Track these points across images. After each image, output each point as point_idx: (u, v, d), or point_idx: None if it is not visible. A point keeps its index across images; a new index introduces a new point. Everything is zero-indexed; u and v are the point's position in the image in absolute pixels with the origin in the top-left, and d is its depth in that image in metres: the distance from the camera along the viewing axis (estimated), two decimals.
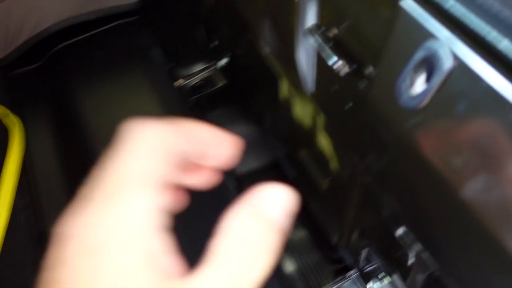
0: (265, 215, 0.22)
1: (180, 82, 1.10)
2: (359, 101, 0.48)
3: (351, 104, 0.50)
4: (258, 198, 0.23)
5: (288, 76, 0.67)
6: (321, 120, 0.67)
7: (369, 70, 0.45)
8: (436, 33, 0.34)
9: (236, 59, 1.05)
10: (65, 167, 0.96)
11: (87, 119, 1.02)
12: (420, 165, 0.39)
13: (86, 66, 1.12)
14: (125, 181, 0.21)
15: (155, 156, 0.22)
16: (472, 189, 0.33)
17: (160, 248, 0.21)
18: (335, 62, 0.43)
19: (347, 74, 0.45)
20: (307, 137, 0.79)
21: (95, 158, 0.23)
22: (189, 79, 1.12)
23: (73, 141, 1.00)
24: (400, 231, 0.55)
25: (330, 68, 0.50)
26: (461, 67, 0.32)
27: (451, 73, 0.33)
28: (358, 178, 0.64)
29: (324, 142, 0.71)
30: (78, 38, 1.17)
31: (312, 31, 0.46)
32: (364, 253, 0.77)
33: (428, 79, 0.35)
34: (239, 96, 1.09)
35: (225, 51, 1.08)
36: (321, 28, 0.47)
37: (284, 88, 0.76)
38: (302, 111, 0.74)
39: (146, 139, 0.22)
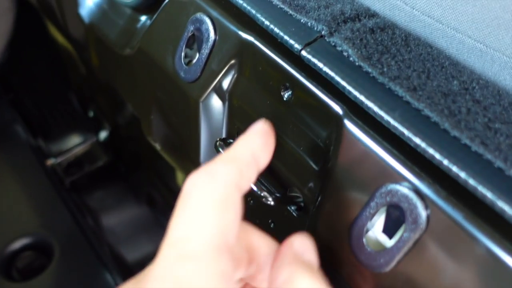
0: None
1: (51, 161, 0.93)
2: (284, 225, 0.38)
3: (272, 225, 0.40)
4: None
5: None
6: None
7: (297, 194, 0.35)
8: (401, 173, 0.26)
9: (118, 130, 0.91)
10: None
11: None
12: None
13: None
14: None
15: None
16: None
17: None
18: (255, 190, 0.33)
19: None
20: None
21: None
22: (63, 156, 0.94)
23: None
24: None
25: None
26: (441, 221, 0.24)
27: (427, 227, 0.25)
28: None
29: None
30: None
31: (220, 145, 0.35)
32: None
33: (393, 231, 0.27)
34: (125, 174, 0.95)
35: (105, 121, 0.93)
36: (230, 140, 0.37)
37: (181, 179, 0.65)
38: None
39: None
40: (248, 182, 0.25)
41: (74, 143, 0.97)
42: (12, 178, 0.85)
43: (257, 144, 0.26)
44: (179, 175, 0.72)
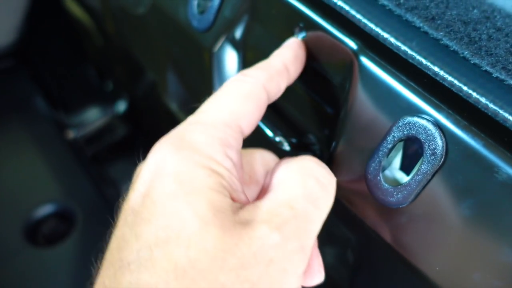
0: (318, 177, 0.24)
1: (72, 133, 0.94)
2: None
3: None
4: (308, 165, 0.25)
5: None
6: None
7: (312, 139, 0.35)
8: (418, 106, 0.25)
9: (136, 101, 0.91)
10: None
11: None
12: (396, 266, 0.30)
13: None
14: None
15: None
16: None
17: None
18: (270, 136, 0.32)
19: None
20: None
21: None
22: (83, 129, 0.95)
23: None
24: None
25: (262, 133, 0.40)
26: (460, 151, 0.23)
27: (446, 159, 0.24)
28: None
29: None
30: None
31: None
32: None
33: (410, 167, 0.26)
34: (146, 145, 0.95)
35: (123, 93, 0.94)
36: None
37: None
38: None
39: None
40: (277, 86, 0.27)
41: (94, 115, 0.97)
42: (35, 149, 0.87)
43: (288, 56, 0.28)
44: None
